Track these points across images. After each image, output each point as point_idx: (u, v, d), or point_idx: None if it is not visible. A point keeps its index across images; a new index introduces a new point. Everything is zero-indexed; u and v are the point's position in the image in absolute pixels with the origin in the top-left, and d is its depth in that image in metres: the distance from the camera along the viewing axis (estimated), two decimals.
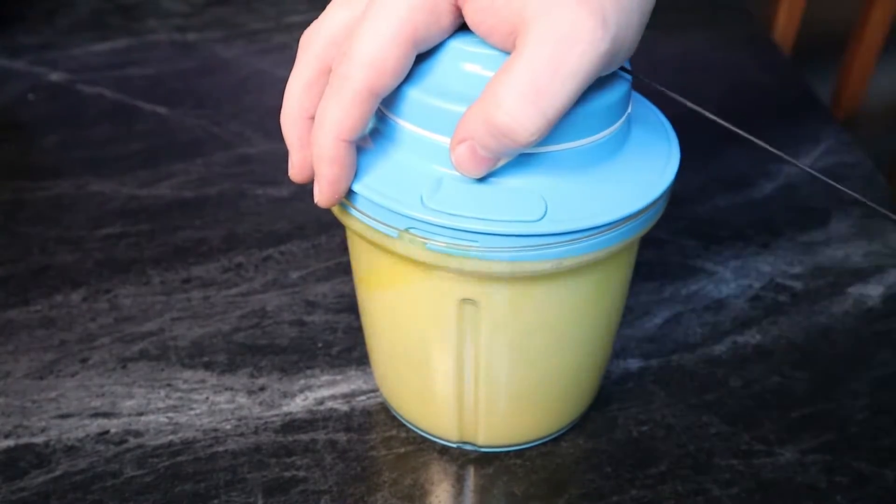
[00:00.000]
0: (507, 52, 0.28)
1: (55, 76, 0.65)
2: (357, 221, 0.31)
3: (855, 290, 0.48)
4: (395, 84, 0.29)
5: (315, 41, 0.30)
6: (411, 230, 0.29)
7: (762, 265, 0.49)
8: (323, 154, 0.29)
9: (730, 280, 0.48)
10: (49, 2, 0.74)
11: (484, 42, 0.28)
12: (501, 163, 0.29)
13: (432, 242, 0.29)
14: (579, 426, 0.40)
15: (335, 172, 0.29)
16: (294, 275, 0.48)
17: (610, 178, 0.30)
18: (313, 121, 0.30)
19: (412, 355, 0.36)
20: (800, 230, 0.52)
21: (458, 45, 0.29)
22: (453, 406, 0.37)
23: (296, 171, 0.31)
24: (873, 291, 0.48)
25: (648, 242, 0.50)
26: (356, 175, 0.30)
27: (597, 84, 0.31)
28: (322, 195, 0.30)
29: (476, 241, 0.29)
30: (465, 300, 0.32)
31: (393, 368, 0.38)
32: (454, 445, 0.39)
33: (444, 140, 0.29)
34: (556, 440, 0.39)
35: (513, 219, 0.28)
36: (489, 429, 0.37)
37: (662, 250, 0.50)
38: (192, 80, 0.65)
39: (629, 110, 0.32)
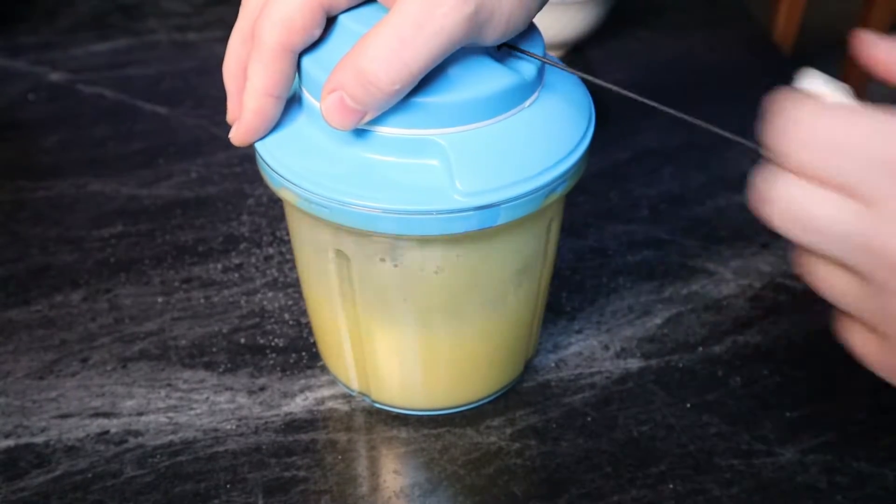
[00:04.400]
0: None
1: (55, 76, 0.65)
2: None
3: None
4: (307, 40, 0.31)
5: (251, 1, 0.33)
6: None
7: (762, 265, 0.49)
8: (248, 104, 0.32)
9: (730, 280, 0.48)
10: (49, 2, 0.74)
11: (369, 22, 0.30)
12: (369, 117, 0.30)
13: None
14: (580, 425, 0.40)
15: (254, 122, 0.32)
16: (294, 275, 0.48)
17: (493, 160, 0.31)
18: None
19: (313, 304, 0.39)
20: None
21: (348, 23, 0.31)
22: (349, 355, 0.38)
23: (231, 116, 0.34)
24: None
25: (648, 242, 0.50)
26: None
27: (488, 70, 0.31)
28: (237, 136, 0.33)
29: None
30: (339, 252, 0.34)
31: (312, 316, 0.41)
32: (355, 394, 0.41)
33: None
34: (541, 436, 0.39)
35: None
36: (378, 384, 0.39)
37: (662, 250, 0.50)
38: (192, 80, 0.65)
39: (536, 97, 0.32)
